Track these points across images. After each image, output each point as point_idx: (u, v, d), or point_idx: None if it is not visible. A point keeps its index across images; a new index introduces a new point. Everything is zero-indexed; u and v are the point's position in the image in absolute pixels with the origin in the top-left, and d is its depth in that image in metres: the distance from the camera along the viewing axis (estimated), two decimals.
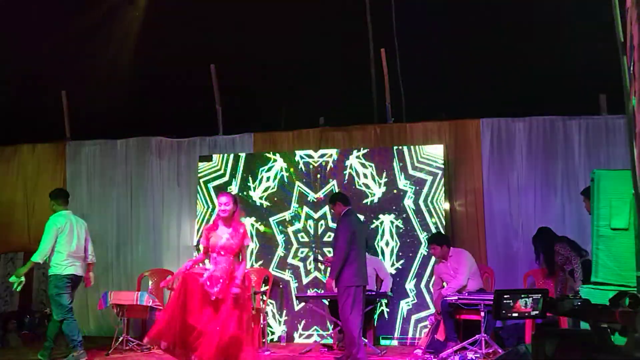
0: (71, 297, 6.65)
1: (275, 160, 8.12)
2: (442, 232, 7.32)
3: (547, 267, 6.76)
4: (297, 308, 7.77)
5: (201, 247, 5.53)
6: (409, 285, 7.50)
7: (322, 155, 8.03)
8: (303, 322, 7.72)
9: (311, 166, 8.01)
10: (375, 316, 7.40)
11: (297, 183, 8.00)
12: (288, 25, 9.06)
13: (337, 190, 7.70)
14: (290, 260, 7.88)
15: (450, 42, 8.92)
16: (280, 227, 7.95)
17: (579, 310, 2.00)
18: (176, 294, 5.13)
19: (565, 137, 7.63)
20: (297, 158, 8.08)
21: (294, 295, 7.73)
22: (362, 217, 7.67)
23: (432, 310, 7.16)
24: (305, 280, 7.80)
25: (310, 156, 8.06)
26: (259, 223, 8.04)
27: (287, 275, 7.86)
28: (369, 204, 7.75)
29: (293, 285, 7.82)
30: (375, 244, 7.65)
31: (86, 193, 8.81)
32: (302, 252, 7.87)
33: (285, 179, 8.04)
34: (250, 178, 8.15)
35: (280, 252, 7.91)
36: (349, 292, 6.08)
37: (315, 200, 7.93)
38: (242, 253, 5.34)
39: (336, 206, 6.43)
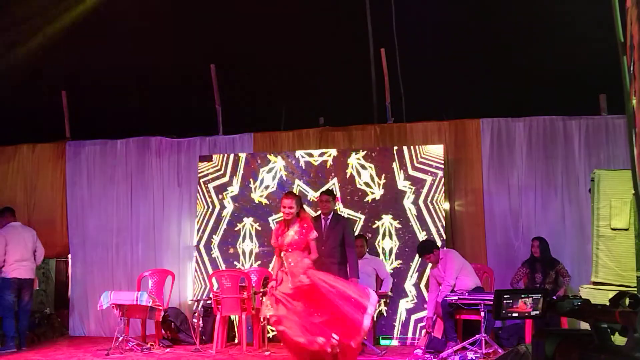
0: (16, 297, 7.53)
1: (275, 162, 8.12)
2: (428, 237, 7.38)
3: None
4: None
5: (274, 243, 5.68)
6: (408, 285, 7.50)
7: (322, 154, 8.03)
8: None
9: (311, 165, 8.00)
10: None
11: (297, 181, 7.99)
12: (288, 25, 9.06)
13: (337, 190, 7.71)
14: None
15: (451, 42, 8.92)
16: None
17: (579, 310, 2.00)
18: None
19: (565, 137, 7.63)
20: (297, 155, 8.07)
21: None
22: (362, 217, 7.71)
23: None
24: None
25: (310, 155, 8.06)
26: (258, 223, 8.04)
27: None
28: (369, 203, 7.74)
29: None
30: (376, 244, 7.65)
31: (86, 193, 8.81)
32: None
33: (285, 178, 8.03)
34: (250, 178, 8.15)
35: None
36: None
37: (315, 199, 7.92)
38: (310, 246, 5.55)
39: (334, 203, 6.49)
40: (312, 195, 7.95)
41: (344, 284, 5.45)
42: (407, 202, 7.64)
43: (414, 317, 7.42)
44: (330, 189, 7.00)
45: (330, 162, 7.97)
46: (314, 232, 5.59)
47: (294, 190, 7.96)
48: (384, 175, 7.77)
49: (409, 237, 7.59)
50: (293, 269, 5.42)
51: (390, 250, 7.62)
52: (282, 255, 5.57)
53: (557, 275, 7.03)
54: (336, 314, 5.20)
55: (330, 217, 6.45)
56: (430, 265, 7.05)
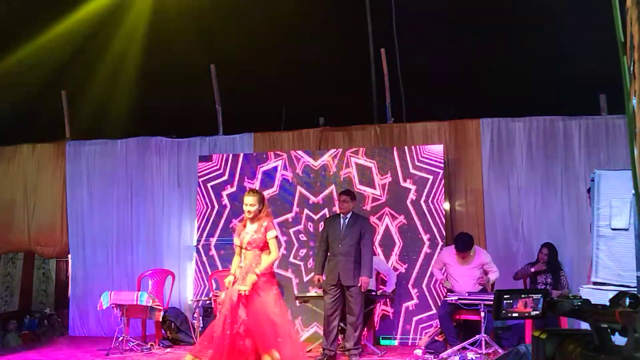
0: None
1: (275, 162, 8.11)
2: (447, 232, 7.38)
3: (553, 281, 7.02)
4: (297, 308, 7.75)
5: (236, 241, 5.65)
6: (410, 285, 7.49)
7: (322, 154, 8.02)
8: (303, 322, 7.71)
9: (312, 165, 8.00)
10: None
11: (299, 187, 7.99)
12: (288, 25, 9.07)
13: (336, 186, 7.73)
14: (291, 259, 7.89)
15: (450, 42, 8.93)
16: (283, 229, 7.94)
17: (579, 310, 2.00)
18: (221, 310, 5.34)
19: (565, 137, 7.62)
20: (297, 156, 8.06)
21: (295, 296, 7.72)
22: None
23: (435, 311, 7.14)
24: (306, 279, 7.78)
25: (310, 155, 8.05)
26: None
27: (289, 273, 7.87)
28: (369, 203, 7.74)
29: (295, 282, 7.81)
30: (376, 244, 7.64)
31: (86, 193, 8.81)
32: (302, 252, 7.87)
33: (286, 184, 8.02)
34: (250, 178, 8.15)
35: (282, 251, 7.89)
36: (361, 291, 6.31)
37: (315, 202, 7.93)
38: (270, 245, 5.45)
39: (352, 203, 6.52)
40: (313, 199, 7.95)
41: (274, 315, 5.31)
42: (407, 202, 7.64)
43: (415, 318, 7.42)
44: (349, 189, 7.04)
45: (330, 162, 7.97)
46: (273, 231, 5.50)
47: (294, 191, 7.97)
48: (383, 175, 7.77)
49: (409, 237, 7.58)
50: (246, 268, 5.38)
51: (391, 251, 7.62)
52: (241, 253, 5.54)
53: (557, 280, 7.03)
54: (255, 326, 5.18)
55: (348, 216, 6.50)
56: (443, 251, 7.08)
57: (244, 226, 5.55)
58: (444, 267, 6.96)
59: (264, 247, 5.43)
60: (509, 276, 7.28)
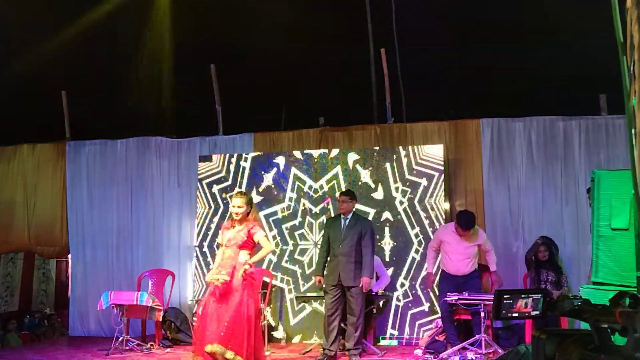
0: None
1: (275, 162, 8.11)
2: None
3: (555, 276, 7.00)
4: (296, 308, 7.76)
5: (219, 239, 5.70)
6: (410, 285, 7.50)
7: (322, 154, 8.02)
8: (303, 322, 7.71)
9: (312, 165, 7.99)
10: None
11: (297, 181, 7.97)
12: (288, 25, 9.07)
13: (336, 185, 7.72)
14: (284, 263, 7.87)
15: (450, 42, 8.93)
16: (274, 222, 7.91)
17: (579, 310, 2.00)
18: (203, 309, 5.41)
19: (565, 137, 7.62)
20: (297, 156, 8.07)
21: (294, 296, 7.72)
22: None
23: (437, 315, 7.11)
24: (304, 287, 7.76)
25: (310, 155, 8.05)
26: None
27: (279, 281, 7.84)
28: (369, 203, 7.74)
29: (289, 295, 7.81)
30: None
31: (86, 193, 8.81)
32: (302, 253, 7.85)
33: (284, 178, 8.02)
34: (250, 179, 8.14)
35: (274, 250, 7.83)
36: (362, 291, 6.32)
37: (314, 192, 7.90)
38: (261, 243, 5.50)
39: (352, 203, 6.52)
40: (311, 185, 7.93)
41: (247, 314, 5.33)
42: (407, 202, 7.64)
43: (409, 313, 7.42)
44: (349, 189, 7.03)
45: (330, 162, 7.96)
46: (261, 231, 5.53)
47: (294, 191, 7.96)
48: (383, 175, 7.76)
49: (408, 237, 7.58)
50: (226, 261, 5.42)
51: (390, 249, 7.62)
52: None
53: (559, 279, 7.02)
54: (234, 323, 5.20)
55: (349, 217, 6.50)
56: (441, 228, 7.04)
57: (231, 226, 5.57)
58: (440, 245, 6.85)
59: (243, 245, 5.45)
60: (509, 277, 7.28)
